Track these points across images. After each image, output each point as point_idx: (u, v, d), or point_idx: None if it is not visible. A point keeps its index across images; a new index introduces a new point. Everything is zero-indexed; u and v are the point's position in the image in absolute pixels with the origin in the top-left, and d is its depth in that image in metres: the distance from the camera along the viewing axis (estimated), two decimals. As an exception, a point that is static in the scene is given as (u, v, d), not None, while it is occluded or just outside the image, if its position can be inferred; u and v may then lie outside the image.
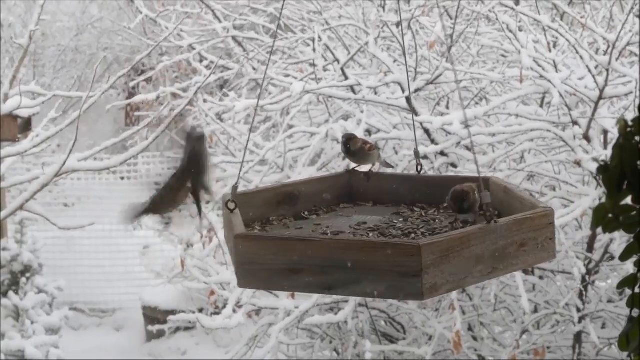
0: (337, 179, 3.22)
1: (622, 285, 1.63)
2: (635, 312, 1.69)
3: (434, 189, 3.05)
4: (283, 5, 3.31)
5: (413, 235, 2.66)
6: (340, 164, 7.06)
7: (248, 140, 3.11)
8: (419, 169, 3.17)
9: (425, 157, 6.61)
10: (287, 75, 7.49)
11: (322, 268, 2.29)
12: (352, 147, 3.18)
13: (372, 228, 2.75)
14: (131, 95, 16.57)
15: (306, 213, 2.99)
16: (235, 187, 2.77)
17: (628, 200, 1.53)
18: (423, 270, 2.20)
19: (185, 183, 2.80)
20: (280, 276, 2.33)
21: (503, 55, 7.15)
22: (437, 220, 2.85)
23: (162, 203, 2.82)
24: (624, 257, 1.60)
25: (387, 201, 3.14)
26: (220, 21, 8.01)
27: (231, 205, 2.67)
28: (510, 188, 2.90)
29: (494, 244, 2.40)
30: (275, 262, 2.33)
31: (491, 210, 2.47)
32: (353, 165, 3.26)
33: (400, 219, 2.88)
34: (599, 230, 6.46)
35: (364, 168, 3.25)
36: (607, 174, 1.49)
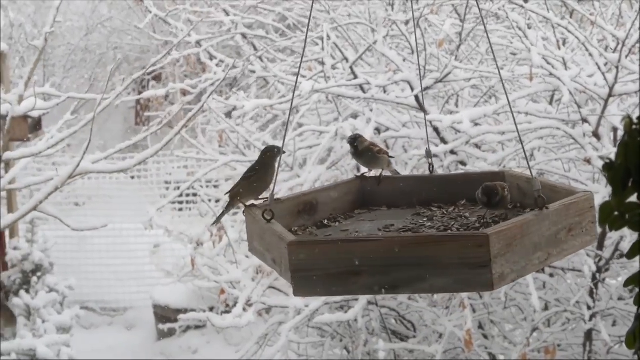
0: (349, 185, 3.16)
1: (628, 283, 1.63)
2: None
3: (447, 187, 3.04)
4: (312, 6, 3.26)
5: (449, 231, 2.66)
6: (350, 162, 7.06)
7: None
8: (431, 169, 3.17)
9: (435, 155, 6.61)
10: (295, 74, 7.50)
11: (384, 268, 2.24)
12: (360, 147, 3.15)
13: (403, 229, 2.72)
14: (140, 93, 16.60)
15: (326, 221, 2.92)
16: (272, 196, 2.69)
17: (634, 198, 1.53)
18: (492, 260, 2.20)
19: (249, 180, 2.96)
20: (339, 280, 2.26)
21: (512, 53, 7.14)
22: (463, 217, 2.85)
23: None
24: (630, 255, 1.60)
25: (401, 203, 3.10)
26: (227, 15, 8.02)
27: (268, 215, 2.57)
28: (534, 178, 2.90)
29: (548, 230, 2.43)
30: (334, 266, 2.26)
31: (543, 196, 2.49)
32: (362, 168, 3.24)
33: (425, 219, 2.86)
34: (609, 227, 6.45)
35: (373, 172, 3.23)
36: (612, 172, 1.48)
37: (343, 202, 3.05)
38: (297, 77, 3.09)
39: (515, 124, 2.87)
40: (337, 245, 2.31)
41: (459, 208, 2.99)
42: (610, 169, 1.47)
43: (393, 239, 2.34)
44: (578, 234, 2.56)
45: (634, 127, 1.42)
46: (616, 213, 1.52)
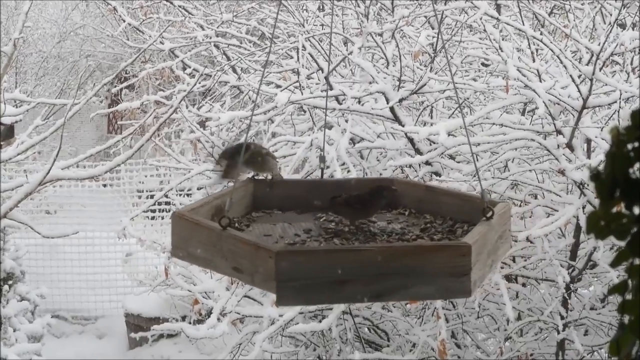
0: (245, 188, 3.11)
1: (612, 291, 1.65)
2: (625, 318, 1.71)
3: (338, 192, 3.00)
4: (276, 17, 3.27)
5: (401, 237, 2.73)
6: (325, 172, 7.07)
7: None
8: (322, 174, 3.29)
9: (409, 165, 6.64)
10: (270, 83, 7.50)
11: (371, 277, 2.26)
12: (249, 149, 3.06)
13: (330, 234, 2.75)
14: (114, 102, 16.54)
15: (236, 225, 2.82)
16: (230, 202, 2.61)
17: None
18: (472, 269, 2.29)
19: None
20: (324, 289, 2.26)
21: (483, 64, 7.17)
22: (376, 223, 2.91)
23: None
24: (615, 263, 1.62)
25: (292, 207, 3.10)
26: (203, 29, 8.02)
27: (225, 222, 2.49)
28: (433, 186, 3.03)
29: (492, 239, 2.57)
30: (321, 276, 2.24)
31: (491, 208, 2.62)
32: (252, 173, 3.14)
33: (333, 223, 2.90)
34: (582, 238, 6.50)
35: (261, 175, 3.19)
36: (600, 181, 1.51)
37: (240, 206, 3.00)
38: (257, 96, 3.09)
39: (468, 139, 2.94)
40: (327, 254, 2.32)
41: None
42: (597, 179, 1.49)
43: (387, 248, 2.41)
44: (505, 241, 2.75)
45: (621, 137, 1.45)
46: (602, 222, 1.54)
